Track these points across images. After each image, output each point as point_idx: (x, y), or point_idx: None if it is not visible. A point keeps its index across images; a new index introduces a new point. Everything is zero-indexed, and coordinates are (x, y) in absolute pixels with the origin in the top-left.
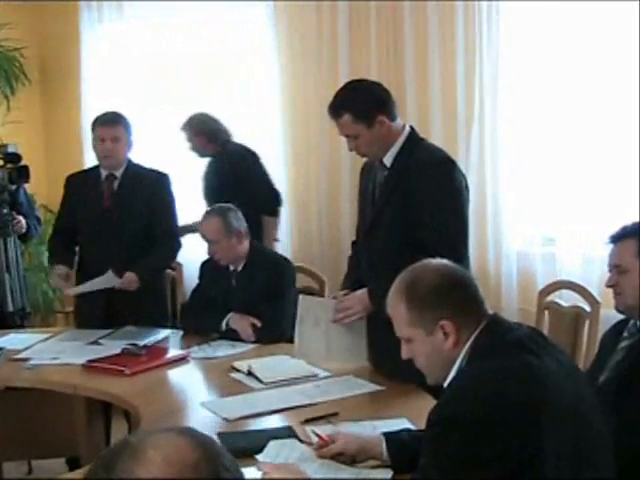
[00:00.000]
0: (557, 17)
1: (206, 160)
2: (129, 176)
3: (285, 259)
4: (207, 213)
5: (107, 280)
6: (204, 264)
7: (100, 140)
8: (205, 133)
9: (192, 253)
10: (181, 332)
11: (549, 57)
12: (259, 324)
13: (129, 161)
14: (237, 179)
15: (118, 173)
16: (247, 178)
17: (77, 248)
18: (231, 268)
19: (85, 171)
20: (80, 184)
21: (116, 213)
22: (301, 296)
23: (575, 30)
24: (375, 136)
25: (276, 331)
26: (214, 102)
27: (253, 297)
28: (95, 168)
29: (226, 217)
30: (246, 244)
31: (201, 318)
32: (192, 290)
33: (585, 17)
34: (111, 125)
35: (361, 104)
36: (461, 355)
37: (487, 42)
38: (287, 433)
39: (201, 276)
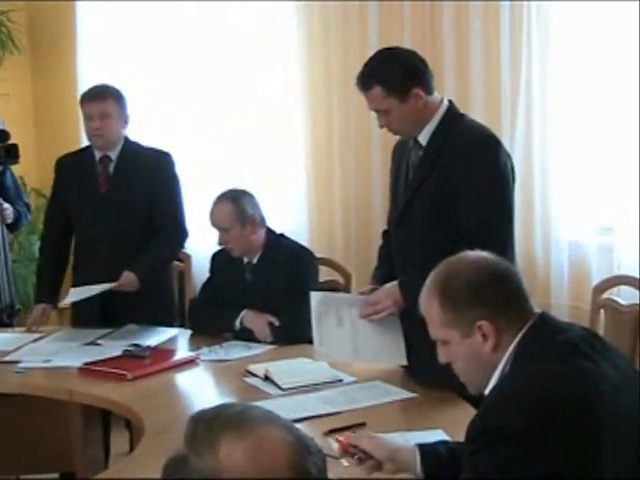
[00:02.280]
0: None
1: None
2: (126, 157)
3: (307, 250)
4: (218, 198)
5: (103, 287)
6: (215, 256)
7: (88, 118)
8: None
9: (202, 243)
10: (190, 331)
11: (603, 28)
12: (277, 323)
13: (126, 139)
14: None
15: (113, 154)
16: None
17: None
18: (245, 260)
19: (77, 152)
20: (72, 167)
21: (113, 200)
22: (312, 293)
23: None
24: (409, 111)
25: (296, 330)
26: (227, 79)
27: (270, 292)
28: (88, 148)
29: (239, 202)
30: (262, 233)
31: (212, 316)
32: (202, 285)
33: None
34: (98, 100)
35: (394, 75)
36: (503, 360)
37: (536, 8)
38: None
39: (212, 269)
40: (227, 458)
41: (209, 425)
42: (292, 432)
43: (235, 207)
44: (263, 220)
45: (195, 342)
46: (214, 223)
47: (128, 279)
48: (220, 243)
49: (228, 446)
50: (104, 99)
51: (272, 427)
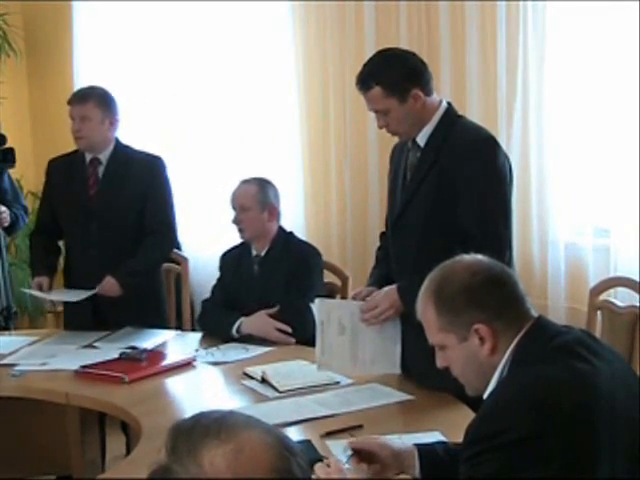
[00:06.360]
0: None
1: None
2: (116, 160)
3: (314, 249)
4: (245, 180)
5: (85, 293)
6: (224, 255)
7: (71, 119)
8: None
9: (199, 246)
10: (188, 333)
11: (600, 29)
12: (287, 328)
13: (117, 142)
14: None
15: (103, 157)
16: None
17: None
18: (254, 253)
19: (69, 154)
20: (62, 170)
21: (102, 203)
22: (318, 300)
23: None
24: (408, 112)
25: (299, 327)
26: (224, 81)
27: (276, 285)
28: (80, 151)
29: (265, 188)
30: (275, 225)
31: (214, 320)
32: (213, 285)
33: None
34: (79, 102)
35: (393, 75)
36: (501, 363)
37: (532, 9)
38: (305, 448)
39: (222, 268)
40: (210, 465)
41: (189, 434)
42: (273, 435)
43: (260, 190)
44: (279, 214)
45: (205, 343)
46: (235, 201)
47: (109, 284)
48: (234, 222)
49: (210, 453)
50: (85, 102)
51: (253, 431)
